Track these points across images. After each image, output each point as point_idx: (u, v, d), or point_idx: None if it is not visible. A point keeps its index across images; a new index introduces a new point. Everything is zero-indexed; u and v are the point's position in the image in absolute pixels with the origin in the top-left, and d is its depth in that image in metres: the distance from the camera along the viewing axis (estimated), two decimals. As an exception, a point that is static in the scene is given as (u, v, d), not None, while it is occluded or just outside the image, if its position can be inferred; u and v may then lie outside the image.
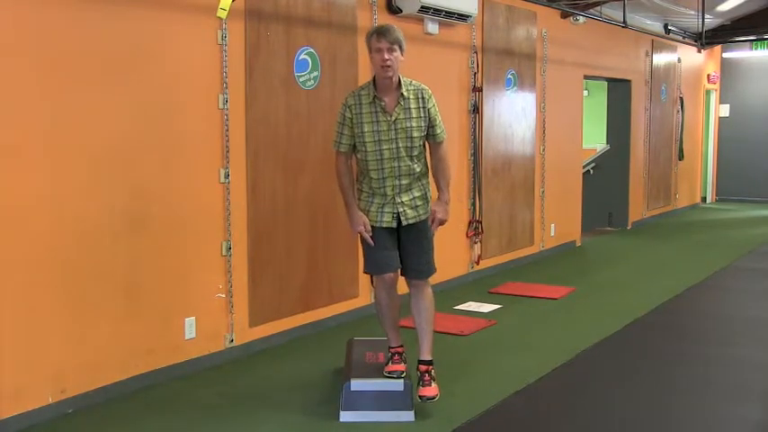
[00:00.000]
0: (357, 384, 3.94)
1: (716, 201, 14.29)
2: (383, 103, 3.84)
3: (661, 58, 11.46)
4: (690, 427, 3.92)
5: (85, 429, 3.88)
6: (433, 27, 6.51)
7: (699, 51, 12.67)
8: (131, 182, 4.30)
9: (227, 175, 4.83)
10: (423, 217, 3.99)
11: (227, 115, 4.81)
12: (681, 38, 11.84)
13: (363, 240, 3.99)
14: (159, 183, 4.44)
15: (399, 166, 3.88)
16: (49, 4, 3.88)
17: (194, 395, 4.34)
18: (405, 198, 3.93)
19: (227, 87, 4.79)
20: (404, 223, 3.94)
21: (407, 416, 3.89)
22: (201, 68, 4.67)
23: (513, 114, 7.81)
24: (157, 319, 4.47)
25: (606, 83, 10.79)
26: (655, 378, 4.59)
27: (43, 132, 3.88)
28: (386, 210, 3.93)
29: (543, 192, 8.45)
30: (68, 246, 4.00)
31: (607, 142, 11.00)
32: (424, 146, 4.00)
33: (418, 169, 3.95)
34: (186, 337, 4.64)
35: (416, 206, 3.96)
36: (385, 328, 4.11)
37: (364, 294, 5.98)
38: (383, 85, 3.86)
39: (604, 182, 10.65)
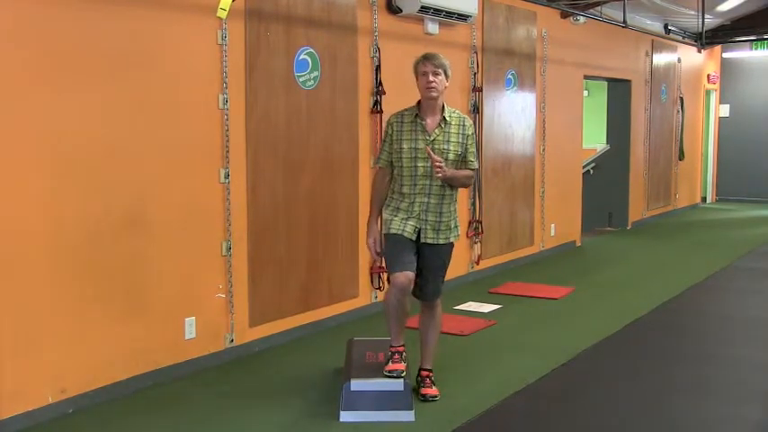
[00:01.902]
0: (357, 384, 3.95)
1: (716, 201, 14.29)
2: (424, 123, 4.01)
3: (661, 58, 11.46)
4: (689, 427, 3.91)
5: (86, 429, 3.87)
6: (433, 27, 6.51)
7: (699, 51, 12.67)
8: (131, 182, 4.30)
9: (227, 175, 4.83)
10: (441, 241, 4.08)
11: (227, 115, 4.81)
12: (681, 38, 11.84)
13: (387, 247, 4.08)
14: (159, 182, 4.44)
15: (431, 185, 4.00)
16: (48, 3, 3.88)
17: (194, 395, 4.34)
18: (430, 217, 4.03)
19: (227, 87, 4.80)
20: (422, 240, 4.03)
21: (407, 416, 3.89)
22: (201, 68, 4.67)
23: (513, 114, 7.81)
24: (158, 319, 4.47)
25: (606, 83, 10.80)
26: (655, 378, 4.58)
27: (41, 132, 3.88)
28: (410, 222, 4.03)
29: (543, 192, 8.45)
30: (68, 245, 4.00)
31: (607, 142, 11.00)
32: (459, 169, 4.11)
33: (448, 192, 4.07)
34: (186, 337, 4.64)
35: (438, 229, 4.06)
36: (389, 326, 4.13)
37: (364, 294, 5.98)
38: (427, 107, 4.04)
39: (604, 182, 10.65)
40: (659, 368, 4.78)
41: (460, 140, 4.04)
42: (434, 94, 3.97)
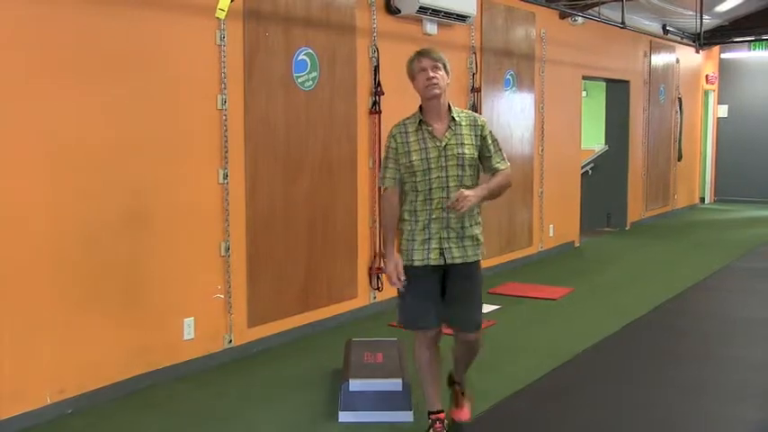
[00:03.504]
0: (356, 385, 3.95)
1: (714, 201, 14.30)
2: (431, 128, 3.45)
3: (659, 59, 11.47)
4: (688, 426, 3.92)
5: (84, 430, 3.87)
6: (431, 27, 6.51)
7: (697, 52, 12.66)
8: (130, 182, 4.30)
9: (225, 176, 4.83)
10: (471, 259, 3.50)
11: (225, 116, 4.81)
12: (679, 38, 11.85)
13: (408, 287, 3.50)
14: (158, 183, 4.44)
15: (447, 198, 3.40)
16: (47, 3, 3.88)
17: (193, 396, 4.34)
18: (452, 234, 3.46)
19: (225, 88, 4.80)
20: (448, 261, 3.45)
21: (406, 416, 3.90)
22: (200, 69, 4.67)
23: (512, 115, 7.81)
24: (156, 320, 4.47)
25: (605, 83, 10.81)
26: (653, 378, 4.59)
27: (40, 132, 3.88)
28: (432, 245, 3.45)
29: (542, 192, 8.46)
30: (67, 246, 4.00)
31: (606, 143, 11.01)
32: (478, 178, 3.56)
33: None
34: (185, 338, 4.64)
35: (464, 246, 3.48)
36: (423, 386, 3.63)
37: (363, 295, 5.98)
38: (430, 108, 3.47)
39: (603, 182, 10.66)
40: (658, 368, 4.79)
41: (475, 142, 3.49)
42: (437, 91, 3.41)
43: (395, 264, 3.49)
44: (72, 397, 4.05)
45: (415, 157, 3.44)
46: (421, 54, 3.48)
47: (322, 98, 5.50)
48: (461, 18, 6.53)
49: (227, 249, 4.87)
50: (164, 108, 4.46)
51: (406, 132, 3.50)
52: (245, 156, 4.96)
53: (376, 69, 5.95)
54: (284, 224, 5.26)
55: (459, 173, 3.43)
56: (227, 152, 4.83)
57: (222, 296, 4.87)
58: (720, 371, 4.76)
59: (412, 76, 3.50)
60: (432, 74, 3.41)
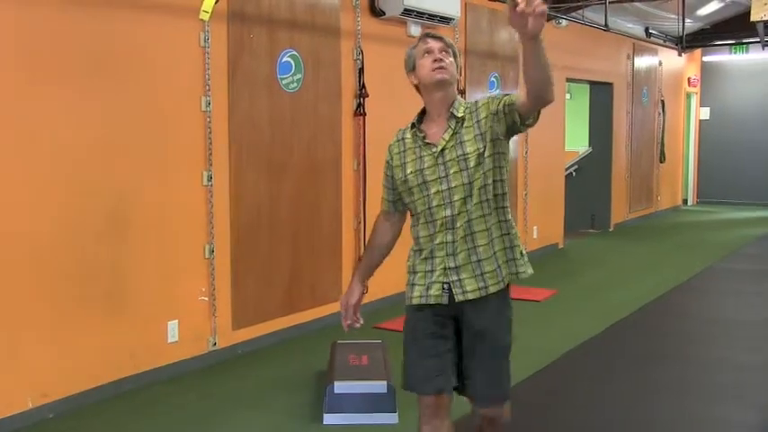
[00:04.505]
0: (341, 387, 3.94)
1: (697, 203, 14.40)
2: (423, 133, 2.68)
3: (642, 62, 11.54)
4: (672, 427, 3.94)
5: (67, 434, 3.86)
6: (416, 30, 6.52)
7: (679, 55, 12.75)
8: (113, 184, 4.27)
9: (209, 178, 4.82)
10: (492, 289, 2.61)
11: (209, 118, 4.80)
12: (662, 41, 11.94)
13: (406, 334, 2.76)
14: (141, 185, 4.42)
15: (453, 216, 2.58)
16: (30, 6, 3.86)
17: (177, 399, 4.32)
18: (460, 260, 2.59)
19: (209, 90, 4.78)
20: (457, 299, 2.60)
21: (391, 417, 3.90)
22: (184, 71, 4.65)
23: (496, 117, 7.82)
24: (140, 323, 4.45)
25: (588, 86, 10.86)
26: (637, 379, 4.61)
27: (21, 134, 3.85)
28: (433, 278, 2.64)
29: (526, 194, 8.49)
30: (49, 248, 3.97)
31: (589, 145, 11.07)
32: (499, 182, 2.63)
33: (483, 218, 2.60)
34: (169, 341, 4.62)
35: (482, 273, 2.60)
36: None
37: (348, 297, 5.97)
38: (435, 104, 2.68)
39: (587, 184, 10.71)
40: (641, 369, 4.82)
41: (479, 130, 2.58)
42: (446, 76, 2.62)
43: (349, 294, 2.84)
44: (54, 401, 4.02)
45: (409, 169, 2.67)
46: (427, 35, 2.75)
47: (306, 100, 5.50)
48: (445, 20, 6.55)
49: (212, 252, 4.86)
50: (147, 110, 4.44)
51: (404, 141, 2.75)
52: (230, 158, 4.95)
53: (360, 71, 5.95)
54: (268, 226, 5.25)
55: (465, 180, 2.57)
56: (211, 154, 4.81)
57: (206, 298, 4.85)
58: (704, 372, 4.79)
59: (412, 65, 2.73)
60: (439, 55, 2.65)
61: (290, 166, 5.39)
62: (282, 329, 5.41)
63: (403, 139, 2.77)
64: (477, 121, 2.61)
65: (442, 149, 2.62)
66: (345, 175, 5.92)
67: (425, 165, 2.64)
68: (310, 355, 4.99)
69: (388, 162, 2.81)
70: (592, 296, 6.90)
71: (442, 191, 2.60)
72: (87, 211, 4.15)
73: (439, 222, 2.61)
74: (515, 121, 2.54)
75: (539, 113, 2.54)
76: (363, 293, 2.90)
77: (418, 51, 2.72)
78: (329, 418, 3.90)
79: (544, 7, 2.30)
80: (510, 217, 2.68)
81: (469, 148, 2.59)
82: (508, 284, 2.68)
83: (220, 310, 4.93)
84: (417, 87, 2.74)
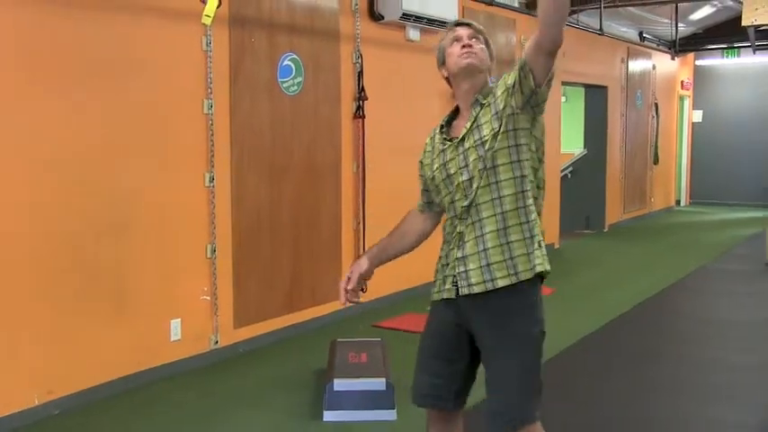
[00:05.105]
0: (340, 384, 3.95)
1: (690, 204, 14.42)
2: (447, 128, 2.51)
3: (636, 65, 11.56)
4: (666, 426, 3.95)
5: (73, 428, 3.86)
6: (414, 34, 6.53)
7: (672, 58, 12.80)
8: (116, 185, 4.28)
9: (211, 179, 4.82)
10: (500, 282, 2.32)
11: (211, 120, 4.80)
12: (655, 45, 11.97)
13: (423, 332, 2.58)
14: (145, 186, 4.43)
15: (469, 205, 2.36)
16: (31, 7, 3.86)
17: (180, 396, 4.32)
18: (468, 250, 2.35)
19: (211, 93, 4.79)
20: (462, 291, 2.36)
21: (389, 414, 3.91)
22: (186, 74, 4.66)
23: (493, 119, 7.83)
24: (144, 321, 4.45)
25: (583, 89, 10.88)
26: (631, 377, 4.63)
27: (25, 136, 3.86)
28: (447, 272, 2.43)
29: (522, 195, 8.48)
30: (53, 249, 3.98)
31: (584, 147, 11.08)
32: (516, 163, 2.36)
33: (491, 203, 2.34)
34: (172, 339, 4.62)
35: (489, 264, 2.32)
36: None
37: (347, 296, 5.98)
38: (465, 94, 2.45)
39: (582, 185, 10.73)
40: (636, 367, 4.83)
41: (496, 109, 2.34)
42: (473, 61, 2.40)
43: (355, 265, 2.62)
44: (60, 397, 4.03)
45: (436, 165, 2.48)
46: (456, 23, 2.56)
47: (306, 103, 5.51)
48: (443, 24, 6.54)
49: (214, 251, 4.86)
50: (151, 112, 4.45)
51: (433, 139, 2.55)
52: (231, 159, 4.95)
53: (360, 75, 5.96)
54: (269, 227, 5.26)
55: (481, 165, 2.33)
56: (213, 156, 4.82)
57: (208, 298, 4.86)
58: (697, 371, 4.80)
59: (442, 58, 2.50)
60: (468, 41, 2.45)
61: (290, 168, 5.40)
62: (283, 328, 5.42)
63: (433, 137, 2.55)
64: (495, 100, 2.36)
65: (463, 138, 2.40)
66: (345, 177, 5.93)
67: (448, 158, 2.43)
68: (310, 354, 5.00)
69: (421, 161, 2.59)
70: (587, 295, 6.91)
71: (463, 182, 2.37)
72: (91, 211, 4.15)
73: (458, 216, 2.40)
74: (531, 86, 2.28)
75: (551, 72, 2.28)
76: (370, 272, 2.58)
77: (447, 41, 2.50)
78: (329, 415, 3.91)
79: None
80: (531, 203, 2.39)
81: (486, 131, 2.34)
82: (531, 286, 2.37)
83: (222, 309, 4.94)
84: (448, 81, 2.50)
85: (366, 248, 5.99)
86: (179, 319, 4.66)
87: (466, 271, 2.35)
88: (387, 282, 6.10)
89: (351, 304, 2.62)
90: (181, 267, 4.67)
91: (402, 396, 3.93)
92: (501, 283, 2.31)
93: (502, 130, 2.32)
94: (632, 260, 8.84)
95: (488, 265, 2.32)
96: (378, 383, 3.96)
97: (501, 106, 2.34)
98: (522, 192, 2.36)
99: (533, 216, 2.39)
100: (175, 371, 4.62)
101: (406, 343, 5.07)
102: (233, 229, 4.99)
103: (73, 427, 3.89)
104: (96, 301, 4.19)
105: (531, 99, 2.32)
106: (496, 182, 2.34)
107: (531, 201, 2.39)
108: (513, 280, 2.32)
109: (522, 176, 2.36)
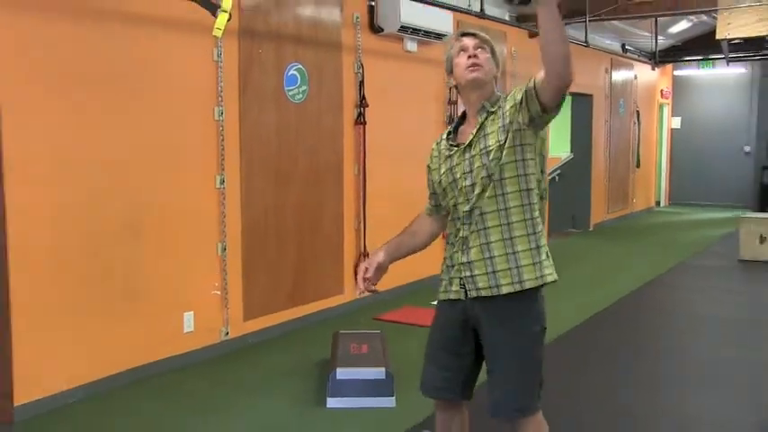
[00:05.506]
0: (342, 373, 3.94)
1: (669, 204, 14.42)
2: (454, 135, 2.50)
3: (619, 75, 11.55)
4: (644, 418, 3.93)
5: (92, 415, 3.86)
6: (411, 45, 6.53)
7: (653, 69, 12.80)
8: (135, 189, 4.27)
9: (222, 181, 4.82)
10: (504, 289, 2.32)
11: (222, 126, 4.80)
12: (637, 56, 11.96)
13: (430, 329, 2.58)
14: (161, 188, 4.42)
15: (471, 210, 2.37)
16: (59, 25, 3.85)
17: (192, 384, 4.32)
18: (473, 256, 2.36)
19: (222, 101, 4.78)
20: (470, 294, 2.38)
21: (389, 401, 3.90)
22: (199, 83, 4.66)
23: (485, 126, 7.82)
24: (159, 314, 4.45)
25: (570, 97, 10.86)
26: (611, 370, 4.63)
27: (54, 145, 3.86)
28: (453, 274, 2.43)
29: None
30: (77, 248, 3.97)
31: (571, 151, 11.08)
32: (523, 177, 2.35)
33: (497, 213, 2.34)
34: (185, 331, 4.62)
35: (494, 271, 2.33)
36: None
37: (348, 291, 5.97)
38: (472, 103, 2.43)
39: (569, 187, 10.71)
40: (615, 360, 4.83)
41: (503, 122, 2.32)
42: (479, 75, 2.37)
43: (373, 254, 2.58)
44: (83, 384, 4.03)
45: (443, 169, 2.46)
46: (462, 33, 2.49)
47: (311, 110, 5.50)
48: (439, 36, 6.54)
49: (224, 249, 4.86)
50: (166, 119, 4.44)
51: (440, 143, 2.53)
52: (240, 163, 4.95)
53: (361, 83, 5.95)
54: (276, 226, 5.25)
55: (485, 174, 2.32)
56: (223, 159, 4.81)
57: (219, 292, 4.85)
58: (674, 365, 4.78)
59: (450, 67, 2.46)
60: (473, 51, 2.40)
61: (295, 171, 5.39)
62: (289, 321, 5.41)
63: (439, 142, 2.54)
64: (503, 113, 2.33)
65: (469, 144, 2.38)
66: (347, 180, 5.92)
67: (455, 162, 2.41)
68: (314, 345, 4.99)
69: (428, 166, 2.56)
70: (573, 290, 6.89)
71: (465, 187, 2.36)
72: (111, 212, 4.15)
73: (461, 220, 2.40)
74: (537, 110, 2.25)
75: (561, 100, 2.23)
76: (385, 265, 2.54)
77: (454, 50, 2.45)
78: (332, 402, 3.91)
79: None
80: (537, 215, 2.37)
81: (491, 141, 2.33)
82: (535, 290, 2.34)
83: (232, 302, 4.93)
84: (456, 88, 2.47)
85: (367, 247, 6.00)
86: (192, 313, 4.65)
87: (472, 276, 2.35)
88: (386, 277, 6.08)
89: (368, 293, 2.59)
90: (193, 264, 4.67)
91: (401, 384, 3.94)
92: (505, 290, 2.32)
93: (508, 144, 2.30)
94: (615, 257, 8.83)
95: (494, 272, 2.32)
96: (378, 372, 3.95)
97: (508, 120, 2.31)
98: (530, 204, 2.35)
99: (540, 228, 2.38)
100: (188, 361, 4.62)
101: (405, 334, 5.08)
102: (242, 228, 4.98)
103: (92, 411, 3.89)
104: (115, 296, 4.19)
105: (537, 119, 2.30)
106: (503, 194, 2.33)
107: (537, 213, 2.38)
108: (518, 288, 2.32)
109: (529, 189, 2.35)
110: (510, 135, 2.30)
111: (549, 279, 2.37)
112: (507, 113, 2.32)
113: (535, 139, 2.35)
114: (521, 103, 2.29)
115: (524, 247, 2.33)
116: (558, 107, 2.26)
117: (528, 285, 2.32)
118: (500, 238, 2.33)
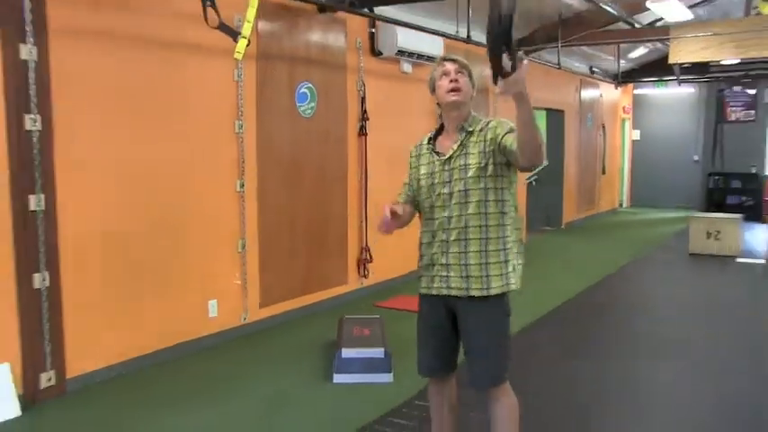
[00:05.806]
0: (347, 353, 3.94)
1: (630, 206, 14.41)
2: (434, 145, 2.54)
3: (587, 93, 11.54)
4: (611, 386, 3.93)
5: (131, 386, 3.86)
6: (407, 67, 6.51)
7: (616, 88, 12.80)
8: (170, 193, 4.27)
9: (242, 185, 4.80)
10: (474, 293, 2.39)
11: (241, 138, 4.78)
12: (602, 77, 11.96)
13: (418, 320, 2.60)
14: (191, 193, 4.41)
15: (449, 217, 2.42)
16: (118, 56, 3.84)
17: (216, 361, 4.31)
18: (452, 259, 2.42)
19: (242, 115, 4.77)
20: (452, 293, 2.45)
21: (387, 377, 3.90)
22: (221, 100, 4.64)
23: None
24: (188, 301, 4.43)
25: (545, 112, 10.86)
26: (580, 349, 4.61)
27: (108, 157, 3.85)
28: (434, 272, 2.48)
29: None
30: (119, 244, 3.96)
31: (546, 159, 11.04)
32: (500, 202, 2.42)
33: (479, 228, 2.39)
34: (210, 316, 4.60)
35: (468, 276, 2.39)
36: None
37: (352, 282, 5.96)
38: (450, 120, 2.48)
39: (544, 191, 10.70)
40: (585, 339, 4.82)
41: (483, 148, 2.39)
42: (458, 98, 2.44)
43: (387, 205, 2.43)
44: (125, 360, 4.04)
45: (423, 171, 2.51)
46: (444, 58, 2.55)
47: (319, 123, 5.48)
48: (431, 59, 6.52)
49: (243, 246, 4.84)
50: (194, 131, 4.43)
51: (421, 147, 2.58)
52: (258, 170, 4.93)
53: (363, 100, 5.94)
54: (288, 225, 5.24)
55: (462, 187, 2.39)
56: (243, 166, 4.79)
57: (239, 282, 4.83)
58: (634, 341, 4.78)
59: (433, 86, 2.53)
60: (455, 76, 2.47)
61: (305, 177, 5.37)
62: (299, 308, 5.39)
63: (420, 145, 2.59)
64: (485, 140, 2.39)
65: (450, 157, 2.44)
66: (351, 184, 5.90)
67: (435, 169, 2.47)
68: (322, 328, 4.98)
69: (410, 163, 2.60)
70: (547, 280, 6.89)
71: (443, 194, 2.43)
72: (146, 212, 4.13)
73: (437, 222, 2.45)
74: (511, 162, 2.35)
75: (534, 167, 2.27)
76: (396, 216, 2.42)
77: (437, 73, 2.51)
78: (338, 378, 3.90)
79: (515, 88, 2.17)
80: (509, 233, 2.41)
81: (472, 160, 2.39)
82: (502, 294, 2.41)
83: (250, 291, 4.92)
84: (439, 105, 2.52)
85: (367, 244, 5.98)
86: (216, 300, 4.64)
87: (448, 277, 2.44)
88: (385, 269, 6.08)
89: (388, 234, 2.48)
90: (218, 258, 4.65)
91: (397, 362, 3.93)
92: (474, 293, 2.41)
93: (489, 173, 2.38)
94: (584, 251, 8.82)
95: (467, 277, 2.40)
96: (378, 352, 3.94)
97: (489, 148, 2.38)
98: (503, 225, 2.42)
99: (510, 244, 2.43)
100: (212, 342, 4.60)
101: (401, 319, 5.07)
102: (259, 227, 4.97)
103: (132, 384, 3.89)
104: (149, 285, 4.17)
105: (511, 165, 2.39)
106: (486, 213, 2.39)
107: (509, 232, 2.44)
108: (485, 293, 2.40)
109: (503, 212, 2.42)
110: (489, 162, 2.38)
111: (513, 287, 2.45)
112: (488, 143, 2.39)
113: (511, 170, 2.42)
114: (498, 145, 2.36)
115: (495, 260, 2.40)
116: (531, 170, 2.35)
117: (494, 292, 2.40)
118: (477, 249, 2.39)
